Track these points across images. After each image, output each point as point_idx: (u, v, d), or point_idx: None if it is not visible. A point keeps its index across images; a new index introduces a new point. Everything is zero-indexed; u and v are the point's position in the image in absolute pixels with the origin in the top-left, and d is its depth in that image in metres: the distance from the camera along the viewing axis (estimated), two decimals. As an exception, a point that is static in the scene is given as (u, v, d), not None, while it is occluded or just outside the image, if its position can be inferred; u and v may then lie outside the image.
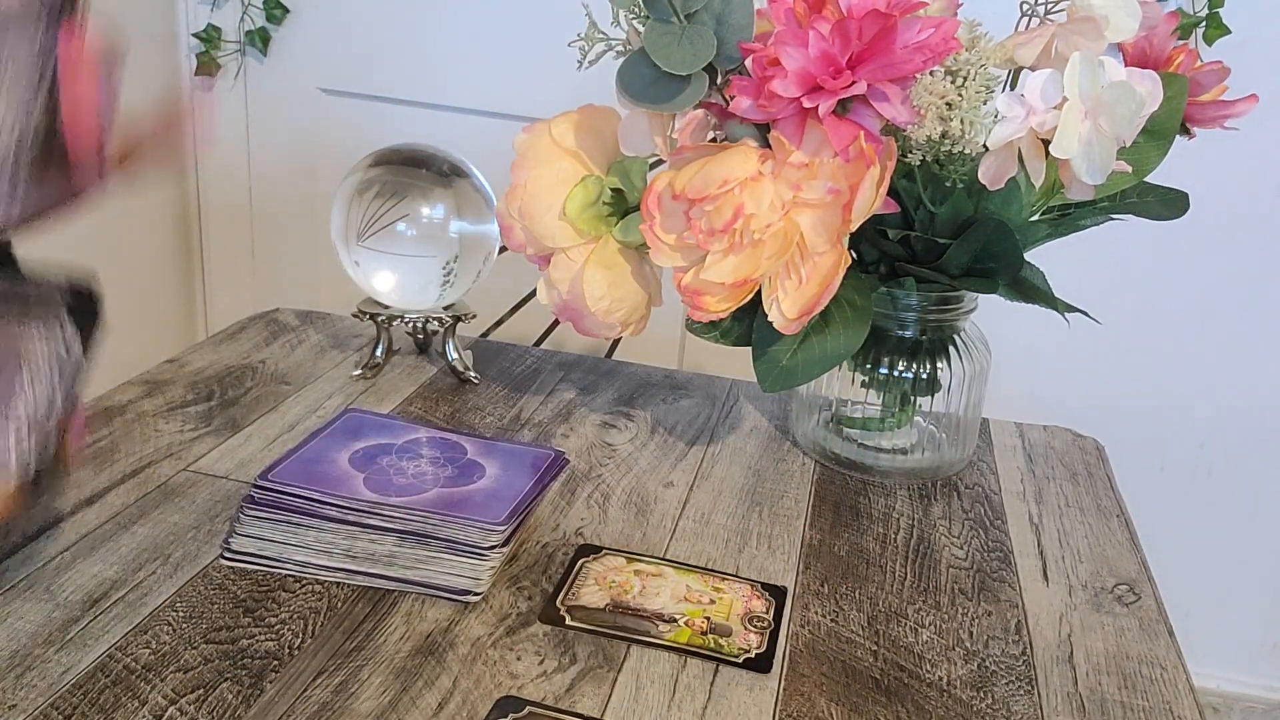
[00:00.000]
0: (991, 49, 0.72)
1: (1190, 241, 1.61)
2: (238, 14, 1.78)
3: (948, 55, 0.67)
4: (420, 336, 1.04)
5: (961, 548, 0.79)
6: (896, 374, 0.86)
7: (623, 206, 0.77)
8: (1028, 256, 0.80)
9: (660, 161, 0.74)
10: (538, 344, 1.27)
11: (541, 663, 0.63)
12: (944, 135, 0.70)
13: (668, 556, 0.74)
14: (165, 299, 1.94)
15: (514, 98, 1.70)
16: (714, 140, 0.73)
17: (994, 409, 0.98)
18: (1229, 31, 1.51)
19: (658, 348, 1.67)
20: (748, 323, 0.79)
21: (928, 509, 0.84)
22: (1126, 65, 0.76)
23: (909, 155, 0.72)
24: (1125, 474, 0.96)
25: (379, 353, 0.99)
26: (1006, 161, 0.70)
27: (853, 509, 0.83)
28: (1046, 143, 0.68)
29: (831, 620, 0.69)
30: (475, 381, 0.99)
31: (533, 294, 0.83)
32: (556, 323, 1.29)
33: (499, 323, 1.35)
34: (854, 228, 0.69)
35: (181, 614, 0.64)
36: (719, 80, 0.70)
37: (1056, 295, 0.81)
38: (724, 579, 0.72)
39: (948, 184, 0.74)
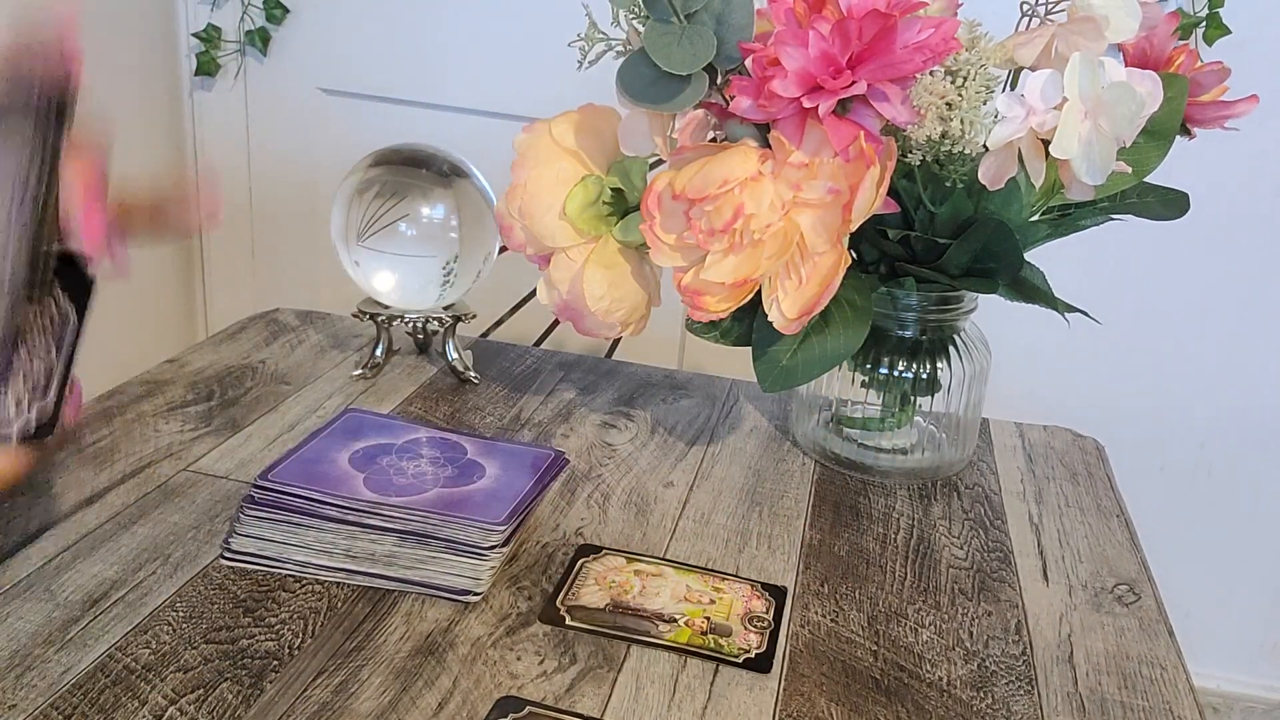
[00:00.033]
0: (991, 49, 0.72)
1: (1190, 241, 1.61)
2: (238, 14, 1.78)
3: (948, 55, 0.67)
4: (420, 336, 1.04)
5: (961, 548, 0.79)
6: (896, 374, 0.86)
7: (623, 206, 0.77)
8: (1028, 256, 0.80)
9: (660, 161, 0.74)
10: (538, 344, 1.27)
11: (541, 663, 0.63)
12: (944, 135, 0.70)
13: (668, 556, 0.74)
14: (165, 299, 1.94)
15: (514, 98, 1.70)
16: (714, 140, 0.73)
17: (994, 409, 0.98)
18: (1229, 31, 1.51)
19: (658, 348, 1.67)
20: (748, 323, 0.79)
21: (928, 509, 0.84)
22: (1126, 65, 0.76)
23: (909, 155, 0.72)
24: (1125, 474, 0.96)
25: (379, 353, 0.99)
26: (1006, 161, 0.70)
27: (853, 509, 0.83)
28: (1046, 143, 0.68)
29: (831, 620, 0.69)
30: (475, 381, 0.99)
31: (533, 294, 0.83)
32: (556, 323, 1.29)
33: (499, 323, 1.35)
34: (854, 228, 0.69)
35: (181, 614, 0.64)
36: (719, 80, 0.70)
37: (1056, 295, 0.81)
38: (724, 579, 0.72)
39: (948, 184, 0.74)
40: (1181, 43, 0.81)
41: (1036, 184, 0.72)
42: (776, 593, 0.71)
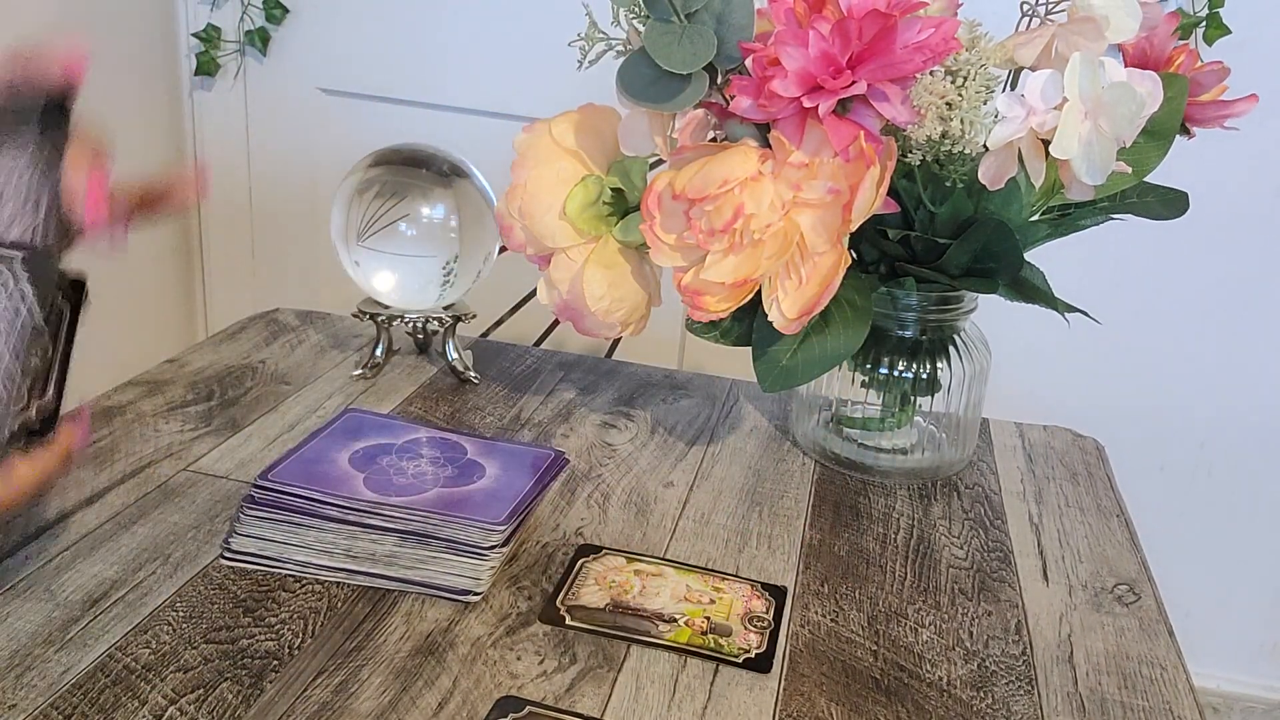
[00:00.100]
0: (991, 49, 0.72)
1: (1190, 241, 1.61)
2: (237, 14, 1.78)
3: (948, 55, 0.67)
4: (420, 336, 1.04)
5: (961, 548, 0.79)
6: (896, 374, 0.86)
7: (623, 206, 0.77)
8: (1028, 256, 0.80)
9: (660, 161, 0.74)
10: (538, 344, 1.27)
11: (541, 663, 0.63)
12: (944, 135, 0.70)
13: (668, 556, 0.74)
14: (165, 299, 1.94)
15: (514, 98, 1.70)
16: (714, 140, 0.73)
17: (994, 409, 0.98)
18: (1229, 31, 1.51)
19: (658, 348, 1.67)
20: (748, 323, 0.79)
21: (928, 509, 0.84)
22: (1126, 65, 0.76)
23: (909, 155, 0.72)
24: (1125, 474, 0.96)
25: (379, 353, 0.99)
26: (1006, 161, 0.70)
27: (853, 509, 0.83)
28: (1046, 143, 0.68)
29: (831, 620, 0.69)
30: (475, 381, 0.99)
31: (533, 294, 0.83)
32: (556, 323, 1.29)
33: (499, 323, 1.35)
34: (854, 228, 0.69)
35: (181, 614, 0.64)
36: (719, 80, 0.70)
37: (1056, 295, 0.81)
38: (724, 579, 0.72)
39: (948, 184, 0.74)
40: (1181, 43, 0.81)
41: (1036, 184, 0.72)
42: (776, 593, 0.71)
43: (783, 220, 0.69)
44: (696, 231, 0.69)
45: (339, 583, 0.68)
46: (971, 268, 0.78)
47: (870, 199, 0.68)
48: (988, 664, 0.66)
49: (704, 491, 0.84)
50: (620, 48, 0.72)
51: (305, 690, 0.59)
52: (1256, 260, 1.63)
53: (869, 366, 0.86)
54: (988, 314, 0.87)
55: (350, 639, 0.63)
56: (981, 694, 0.63)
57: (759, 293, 0.72)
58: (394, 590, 0.67)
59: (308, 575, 0.68)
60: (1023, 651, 0.67)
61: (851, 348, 0.76)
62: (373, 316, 0.98)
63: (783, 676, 0.63)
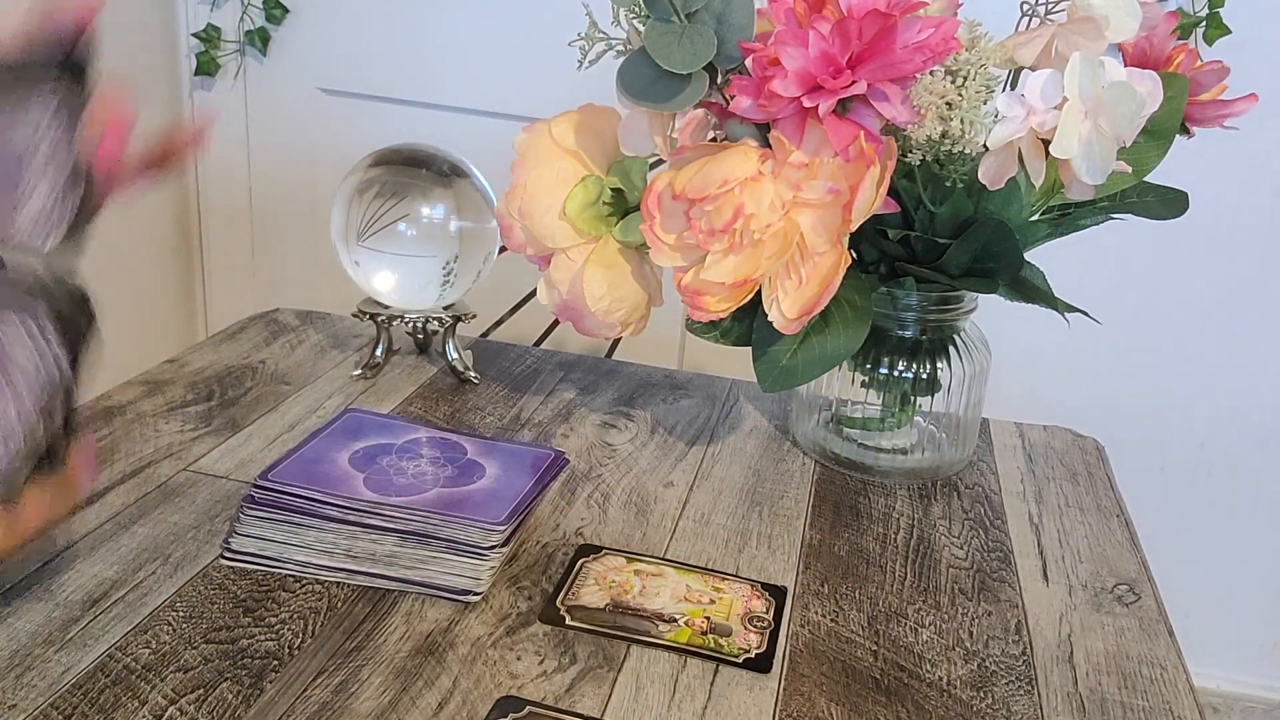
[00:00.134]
0: (991, 49, 0.72)
1: (1190, 241, 1.61)
2: (237, 14, 1.78)
3: (948, 55, 0.67)
4: (420, 336, 1.04)
5: (961, 548, 0.79)
6: (896, 374, 0.86)
7: (623, 206, 0.77)
8: (1028, 256, 0.80)
9: (660, 161, 0.74)
10: (538, 344, 1.27)
11: (541, 663, 0.63)
12: (944, 135, 0.70)
13: (668, 556, 0.74)
14: (165, 299, 1.94)
15: (514, 98, 1.70)
16: (714, 140, 0.73)
17: (994, 409, 0.98)
18: (1229, 31, 1.51)
19: (658, 348, 1.67)
20: (748, 323, 0.79)
21: (928, 509, 0.84)
22: (1126, 65, 0.76)
23: (909, 155, 0.72)
24: (1125, 474, 0.96)
25: (379, 353, 0.99)
26: (1006, 161, 0.70)
27: (853, 509, 0.83)
28: (1046, 143, 0.68)
29: (831, 620, 0.69)
30: (475, 381, 0.99)
31: (533, 294, 0.83)
32: (556, 323, 1.29)
33: (499, 323, 1.35)
34: (854, 228, 0.69)
35: (181, 614, 0.64)
36: (719, 80, 0.70)
37: (1056, 295, 0.81)
38: (724, 579, 0.72)
39: (948, 184, 0.74)
40: (1181, 42, 0.81)
41: (1036, 184, 0.72)
42: (776, 593, 0.71)
43: (783, 220, 0.69)
44: (696, 231, 0.69)
45: (339, 583, 0.68)
46: (971, 268, 0.78)
47: (870, 199, 0.68)
48: (988, 664, 0.66)
49: (704, 491, 0.84)
50: (620, 48, 0.72)
51: (305, 690, 0.59)
52: (1256, 260, 1.63)
53: (869, 366, 0.86)
54: (988, 314, 0.87)
55: (350, 639, 0.63)
56: (981, 694, 0.63)
57: (759, 293, 0.72)
58: (394, 590, 0.67)
59: (308, 575, 0.68)
60: (1023, 651, 0.67)
61: (851, 348, 0.76)
62: (373, 316, 0.98)
63: (783, 676, 0.63)
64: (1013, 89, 0.75)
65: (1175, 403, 1.72)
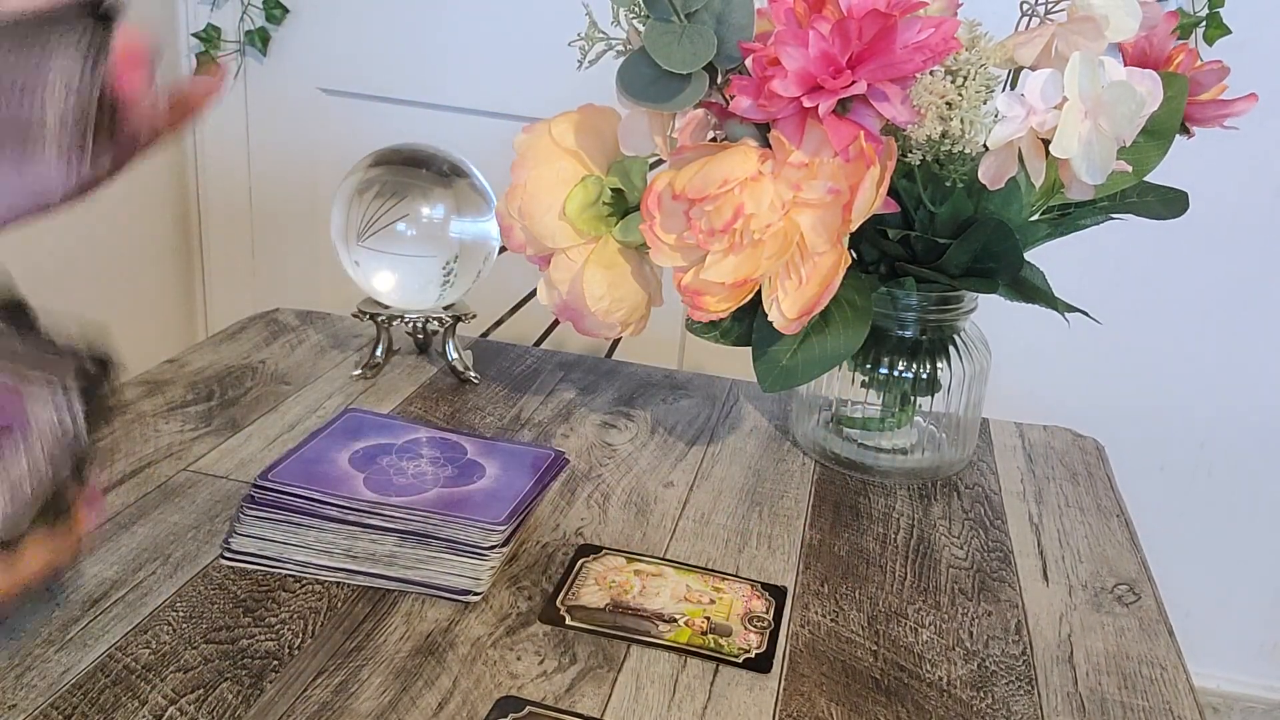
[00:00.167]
0: (991, 49, 0.72)
1: (1190, 241, 1.61)
2: (237, 14, 1.78)
3: (948, 55, 0.67)
4: (420, 336, 1.04)
5: (961, 548, 0.79)
6: (896, 374, 0.86)
7: (623, 206, 0.77)
8: (1028, 256, 0.80)
9: (660, 161, 0.74)
10: (538, 344, 1.27)
11: (541, 663, 0.63)
12: (944, 135, 0.70)
13: (668, 556, 0.74)
14: (165, 299, 1.94)
15: (514, 98, 1.70)
16: (714, 140, 0.73)
17: (994, 409, 0.98)
18: (1229, 31, 1.51)
19: (658, 348, 1.67)
20: (748, 323, 0.79)
21: (928, 509, 0.84)
22: (1126, 65, 0.76)
23: (909, 155, 0.72)
24: (1125, 474, 0.96)
25: (379, 353, 0.99)
26: (1006, 161, 0.70)
27: (853, 509, 0.83)
28: (1046, 143, 0.68)
29: (831, 620, 0.69)
30: (475, 381, 0.99)
31: (533, 294, 0.83)
32: (556, 323, 1.29)
33: (499, 323, 1.35)
34: (854, 228, 0.69)
35: (181, 614, 0.64)
36: (719, 80, 0.70)
37: (1056, 295, 0.81)
38: (724, 579, 0.72)
39: (948, 184, 0.74)
40: (1181, 42, 0.81)
41: (1036, 184, 0.72)
42: (776, 593, 0.71)
43: (783, 220, 0.69)
44: (696, 231, 0.69)
45: (339, 583, 0.68)
46: (971, 268, 0.78)
47: (870, 199, 0.68)
48: (988, 664, 0.66)
49: (704, 491, 0.84)
50: (620, 48, 0.72)
51: (305, 690, 0.59)
52: (1256, 260, 1.63)
53: (869, 366, 0.86)
54: (988, 314, 0.87)
55: (350, 639, 0.63)
56: (981, 694, 0.63)
57: (759, 293, 0.72)
58: (394, 590, 0.67)
59: (308, 575, 0.68)
60: (1023, 651, 0.67)
61: (851, 348, 0.76)
62: (373, 316, 0.98)
63: (783, 676, 0.63)
64: (1013, 89, 0.75)
65: (1175, 403, 1.72)
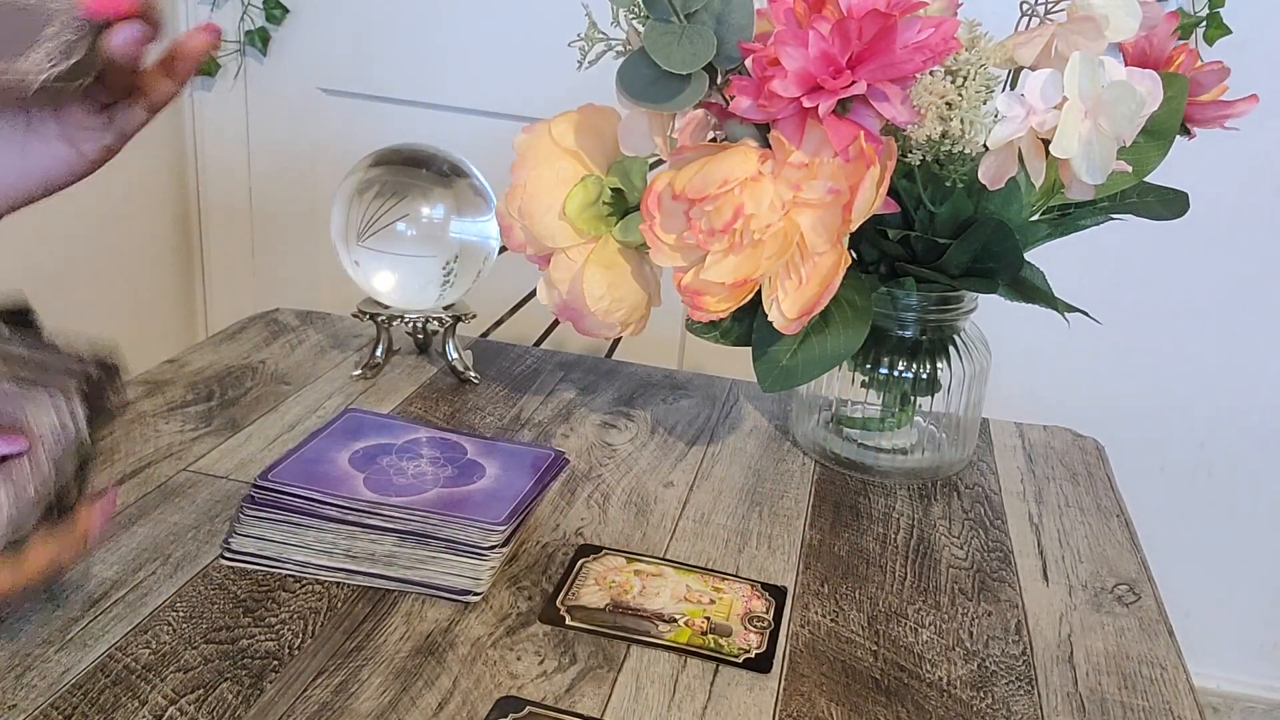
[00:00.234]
0: (991, 49, 0.72)
1: (1190, 241, 1.61)
2: (238, 14, 1.78)
3: (948, 55, 0.67)
4: (420, 336, 1.04)
5: (961, 548, 0.79)
6: (896, 374, 0.86)
7: (623, 206, 0.77)
8: (1028, 256, 0.80)
9: (660, 161, 0.74)
10: (538, 344, 1.27)
11: (541, 663, 0.63)
12: (944, 135, 0.70)
13: (668, 556, 0.74)
14: (165, 299, 1.94)
15: (514, 98, 1.70)
16: (714, 140, 0.73)
17: (994, 409, 0.98)
18: (1229, 31, 1.51)
19: (658, 348, 1.67)
20: (748, 323, 0.79)
21: (928, 509, 0.84)
22: (1126, 65, 0.76)
23: (909, 155, 0.72)
24: (1125, 474, 0.96)
25: (379, 353, 0.99)
26: (1006, 161, 0.70)
27: (853, 509, 0.83)
28: (1046, 143, 0.68)
29: (831, 620, 0.69)
30: (475, 381, 0.99)
31: (533, 294, 0.83)
32: (556, 323, 1.29)
33: (499, 323, 1.35)
34: (854, 228, 0.69)
35: (181, 614, 0.64)
36: (719, 80, 0.70)
37: (1056, 295, 0.81)
38: (724, 579, 0.72)
39: (948, 184, 0.74)
40: (1181, 42, 0.81)
41: (1036, 184, 0.72)
42: (776, 593, 0.71)
43: (783, 220, 0.69)
44: (696, 231, 0.69)
45: (339, 583, 0.68)
46: (971, 268, 0.78)
47: (870, 199, 0.68)
48: (988, 664, 0.66)
49: (704, 491, 0.84)
50: (620, 48, 0.72)
51: (305, 690, 0.59)
52: (1256, 260, 1.63)
53: (869, 366, 0.86)
54: (988, 314, 0.87)
55: (350, 639, 0.63)
56: (981, 694, 0.63)
57: (759, 293, 0.72)
58: (394, 590, 0.67)
59: (308, 575, 0.68)
60: (1023, 651, 0.67)
61: (851, 348, 0.76)
62: (373, 316, 0.98)
63: (783, 676, 0.63)
64: (1013, 89, 0.75)
65: (1175, 403, 1.72)
